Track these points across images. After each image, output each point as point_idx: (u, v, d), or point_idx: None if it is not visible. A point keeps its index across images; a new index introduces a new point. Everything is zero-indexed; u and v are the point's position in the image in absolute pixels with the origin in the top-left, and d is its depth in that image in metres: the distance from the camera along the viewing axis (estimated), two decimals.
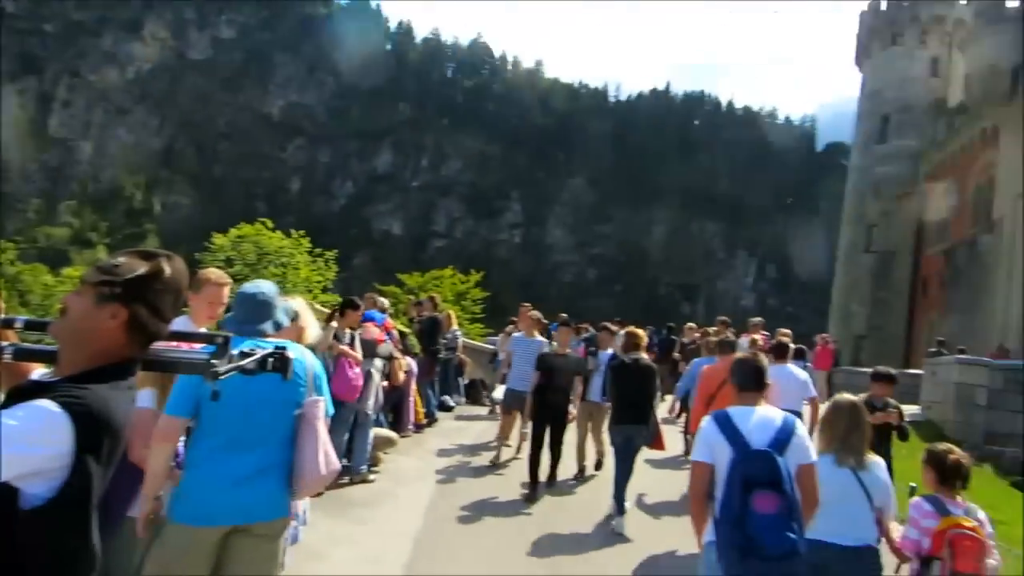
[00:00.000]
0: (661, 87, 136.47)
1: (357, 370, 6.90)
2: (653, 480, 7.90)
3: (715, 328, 12.58)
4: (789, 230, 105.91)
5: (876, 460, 3.78)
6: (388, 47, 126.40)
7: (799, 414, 6.51)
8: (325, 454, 2.86)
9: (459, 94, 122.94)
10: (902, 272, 31.06)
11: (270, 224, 20.51)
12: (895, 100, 32.59)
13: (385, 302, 9.78)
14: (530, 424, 7.86)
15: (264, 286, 3.04)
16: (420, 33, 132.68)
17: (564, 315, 9.44)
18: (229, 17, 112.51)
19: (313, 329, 3.64)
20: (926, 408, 14.99)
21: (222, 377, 1.53)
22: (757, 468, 3.13)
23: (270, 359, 1.73)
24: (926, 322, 28.06)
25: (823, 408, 4.03)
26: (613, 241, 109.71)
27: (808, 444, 3.34)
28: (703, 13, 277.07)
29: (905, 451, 6.83)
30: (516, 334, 9.62)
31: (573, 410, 7.77)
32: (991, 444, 13.59)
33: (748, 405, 3.43)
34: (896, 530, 3.78)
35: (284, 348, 1.80)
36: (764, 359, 3.73)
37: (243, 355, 1.67)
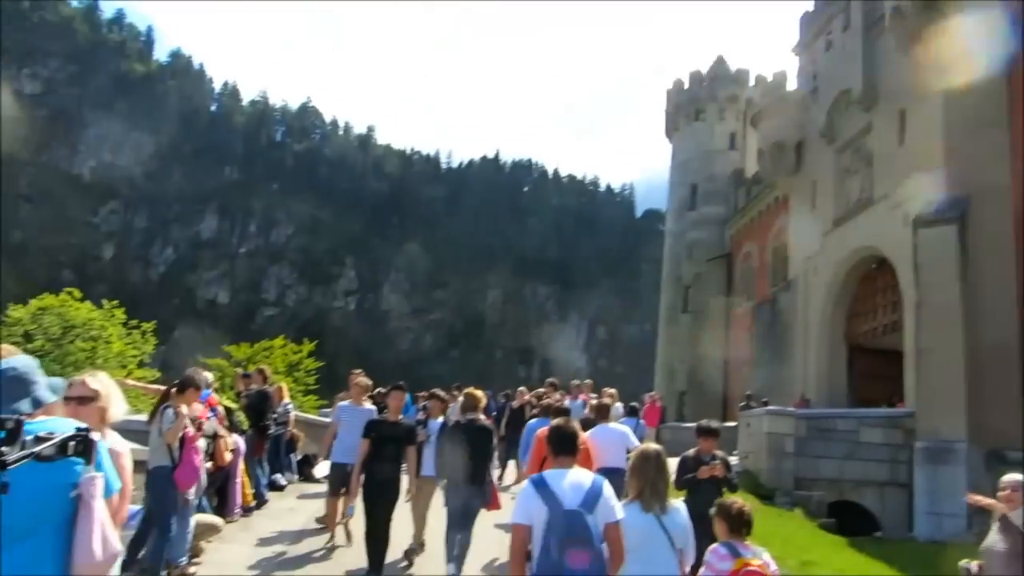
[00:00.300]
0: (491, 154, 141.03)
1: (202, 457, 6.46)
2: (503, 545, 7.81)
3: (544, 390, 13.15)
4: (615, 293, 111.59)
5: (677, 505, 4.18)
6: (213, 108, 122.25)
7: (622, 468, 6.92)
8: (103, 537, 2.60)
9: (289, 158, 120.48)
10: (716, 329, 33.44)
11: (77, 294, 18.88)
12: (701, 170, 35.65)
13: (209, 376, 9.21)
14: (358, 501, 7.37)
15: (17, 361, 2.80)
16: (247, 95, 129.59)
17: (401, 383, 9.23)
18: (32, 71, 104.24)
19: (118, 407, 3.36)
20: (743, 458, 15.99)
21: (12, 467, 1.40)
22: (570, 527, 3.40)
23: (71, 443, 1.60)
24: (739, 376, 30.28)
25: (631, 457, 4.39)
26: (449, 306, 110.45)
27: (614, 504, 3.64)
28: (528, 82, 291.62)
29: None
30: (343, 402, 8.93)
31: (410, 483, 7.39)
32: (800, 489, 14.73)
33: (562, 468, 3.72)
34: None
35: (87, 430, 1.68)
36: (576, 425, 4.06)
37: (38, 440, 1.53)
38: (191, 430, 6.42)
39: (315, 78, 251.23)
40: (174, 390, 6.69)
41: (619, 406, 12.24)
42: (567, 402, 11.63)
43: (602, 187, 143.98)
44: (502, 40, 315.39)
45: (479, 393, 7.49)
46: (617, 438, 8.03)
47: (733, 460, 17.21)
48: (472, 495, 6.75)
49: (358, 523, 7.42)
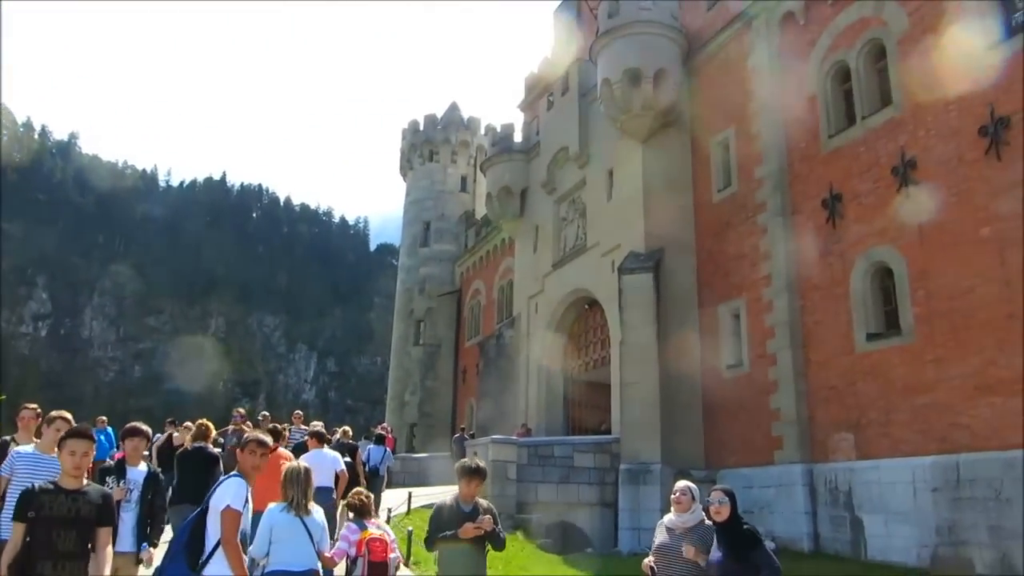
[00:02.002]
0: (218, 176, 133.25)
1: None
2: None
3: (260, 420, 13.70)
4: (347, 325, 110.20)
5: (317, 508, 5.38)
6: None
7: (330, 486, 8.78)
8: None
9: None
10: (446, 363, 34.71)
11: None
12: (433, 209, 37.09)
13: None
14: None
15: None
16: None
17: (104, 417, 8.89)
18: None
19: None
20: None
21: None
22: None
23: None
24: (467, 407, 31.63)
25: (284, 469, 5.53)
26: (164, 335, 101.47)
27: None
28: (264, 106, 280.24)
29: None
30: (20, 448, 5.95)
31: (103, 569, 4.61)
32: (521, 513, 15.82)
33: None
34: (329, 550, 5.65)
35: None
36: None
37: None
38: None
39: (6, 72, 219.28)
40: None
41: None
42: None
43: (336, 218, 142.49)
44: (241, 57, 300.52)
45: (209, 423, 8.19)
46: (328, 462, 9.04)
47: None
48: (192, 512, 7.10)
49: None
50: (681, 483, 5.79)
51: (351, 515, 6.51)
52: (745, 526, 5.18)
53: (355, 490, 6.80)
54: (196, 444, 7.93)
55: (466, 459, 5.77)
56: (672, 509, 5.65)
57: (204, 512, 4.70)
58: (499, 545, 5.43)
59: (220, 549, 4.55)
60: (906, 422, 12.59)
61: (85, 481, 4.52)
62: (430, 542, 5.52)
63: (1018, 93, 11.50)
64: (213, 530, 4.60)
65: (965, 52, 12.46)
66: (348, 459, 10.43)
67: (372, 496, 6.61)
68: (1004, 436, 10.90)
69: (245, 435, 5.53)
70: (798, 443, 14.50)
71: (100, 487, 4.83)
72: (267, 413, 14.35)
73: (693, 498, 5.58)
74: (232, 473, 4.92)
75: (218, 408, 67.20)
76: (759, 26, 17.32)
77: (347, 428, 13.51)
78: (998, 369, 11.17)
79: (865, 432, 13.32)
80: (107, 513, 4.52)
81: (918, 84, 13.28)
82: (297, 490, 5.22)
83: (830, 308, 14.44)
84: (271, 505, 5.28)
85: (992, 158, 11.70)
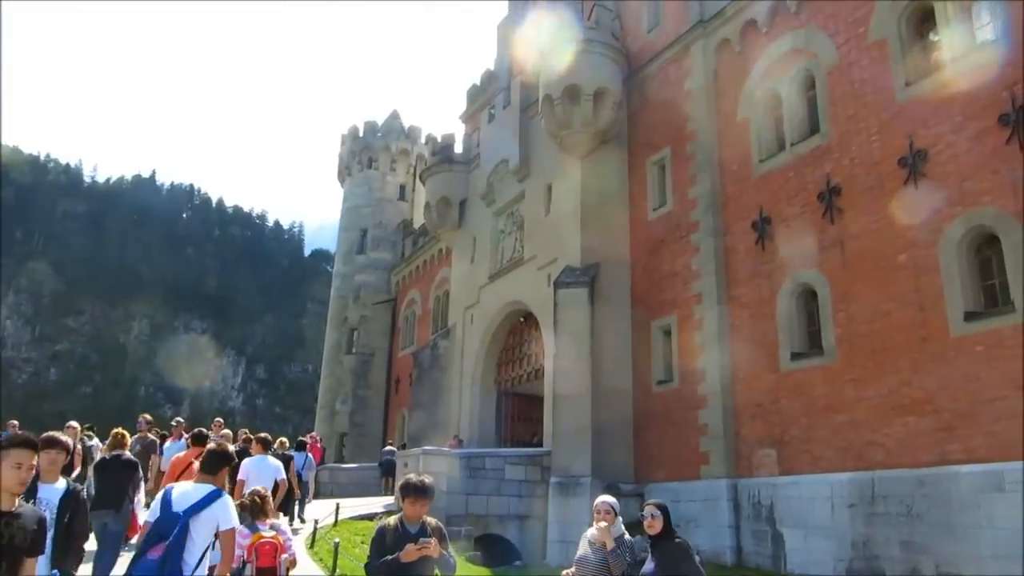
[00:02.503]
0: (147, 174, 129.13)
1: None
2: None
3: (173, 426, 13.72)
4: (278, 331, 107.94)
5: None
6: None
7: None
8: None
9: None
10: (379, 372, 34.33)
11: None
12: (371, 216, 36.75)
13: None
14: None
15: None
16: None
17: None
18: None
19: None
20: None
21: None
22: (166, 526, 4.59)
23: None
24: (399, 417, 31.34)
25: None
26: (83, 336, 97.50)
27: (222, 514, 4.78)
28: (195, 103, 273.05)
29: None
30: None
31: None
32: (452, 525, 15.70)
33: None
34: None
35: None
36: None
37: None
38: None
39: None
40: None
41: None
42: (169, 443, 12.73)
43: (270, 222, 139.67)
44: (179, 54, 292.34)
45: (124, 432, 8.52)
46: (271, 470, 9.59)
47: (390, 500, 17.88)
48: (110, 519, 7.61)
49: None
50: (602, 498, 5.93)
51: (245, 516, 6.29)
52: (677, 539, 5.32)
53: (251, 489, 6.79)
54: (114, 452, 8.17)
55: (412, 475, 4.90)
56: (594, 523, 5.79)
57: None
58: (448, 570, 4.66)
59: (207, 557, 4.67)
60: (826, 439, 13.04)
61: (17, 501, 3.77)
62: (372, 569, 4.66)
63: (934, 128, 12.12)
64: (199, 537, 4.64)
65: (887, 87, 13.10)
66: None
67: (268, 495, 6.69)
68: (916, 454, 11.42)
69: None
70: (724, 458, 14.85)
71: (35, 508, 4.01)
72: (181, 419, 14.13)
73: (615, 513, 5.73)
74: (218, 490, 4.91)
75: (137, 414, 64.82)
76: (696, 51, 17.81)
77: (283, 439, 13.79)
78: (912, 390, 11.69)
79: (787, 448, 13.74)
80: (39, 541, 3.82)
81: (843, 115, 13.87)
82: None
83: (758, 327, 14.87)
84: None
85: (910, 188, 12.29)
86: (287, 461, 12.18)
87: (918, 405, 11.55)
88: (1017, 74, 11.08)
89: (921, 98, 12.51)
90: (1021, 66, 11.06)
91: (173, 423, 13.86)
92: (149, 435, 12.10)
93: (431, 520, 4.76)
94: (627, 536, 5.65)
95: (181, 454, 9.68)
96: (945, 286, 11.52)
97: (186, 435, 12.95)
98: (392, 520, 4.85)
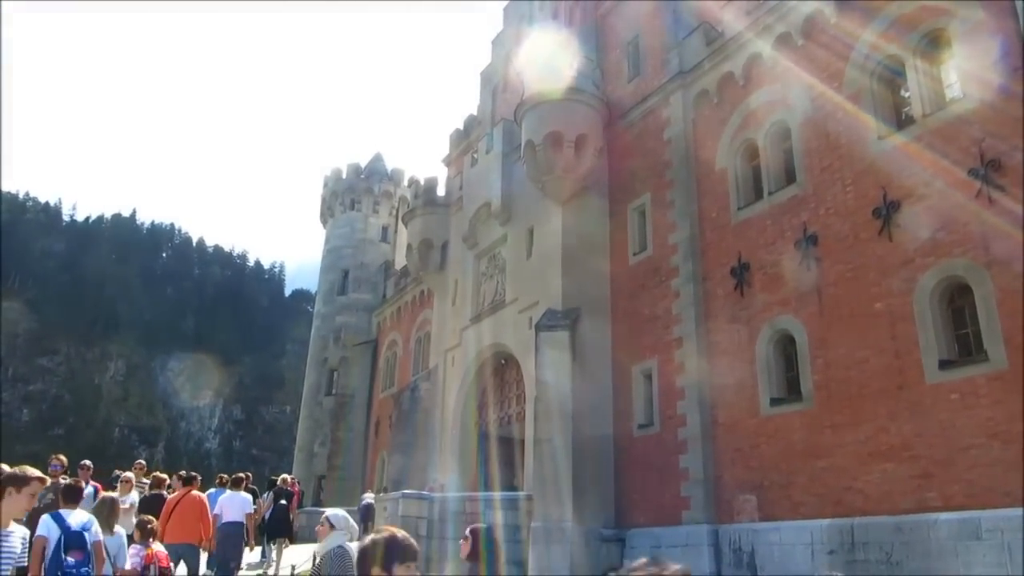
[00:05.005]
0: (127, 213, 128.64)
1: None
2: None
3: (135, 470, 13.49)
4: (256, 372, 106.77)
5: (120, 531, 7.26)
6: None
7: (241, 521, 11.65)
8: None
9: None
10: (359, 414, 34.05)
11: None
12: (353, 257, 36.83)
13: None
14: None
15: None
16: None
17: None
18: None
19: None
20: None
21: None
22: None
23: None
24: (379, 460, 31.01)
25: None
26: (58, 377, 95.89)
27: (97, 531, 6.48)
28: (176, 143, 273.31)
29: None
30: None
31: None
32: (430, 571, 15.53)
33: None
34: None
35: None
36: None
37: None
38: None
39: None
40: None
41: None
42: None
43: (251, 262, 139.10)
44: (162, 93, 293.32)
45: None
46: (239, 503, 11.71)
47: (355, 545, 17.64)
48: None
49: None
50: (329, 511, 6.04)
51: (137, 536, 7.79)
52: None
53: (143, 516, 8.24)
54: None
55: (398, 532, 4.07)
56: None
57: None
58: None
59: None
60: (805, 485, 13.10)
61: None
62: None
63: (907, 180, 12.48)
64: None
65: (861, 139, 13.49)
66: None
67: (156, 522, 8.20)
68: (894, 501, 11.50)
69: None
70: (704, 504, 14.84)
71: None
72: (88, 463, 12.53)
73: (331, 525, 5.69)
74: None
75: (111, 457, 63.58)
76: (675, 101, 18.24)
77: (248, 474, 14.06)
78: (889, 436, 11.82)
79: (768, 494, 13.78)
80: None
81: (819, 165, 14.24)
82: (101, 516, 6.90)
83: (737, 372, 15.00)
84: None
85: (884, 238, 12.59)
86: (255, 495, 13.61)
87: (895, 452, 11.67)
88: (985, 130, 11.48)
89: (893, 151, 12.89)
90: (989, 123, 11.46)
91: (80, 467, 11.97)
92: (60, 481, 9.73)
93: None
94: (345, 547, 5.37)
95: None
96: (920, 335, 11.74)
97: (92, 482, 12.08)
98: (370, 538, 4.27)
